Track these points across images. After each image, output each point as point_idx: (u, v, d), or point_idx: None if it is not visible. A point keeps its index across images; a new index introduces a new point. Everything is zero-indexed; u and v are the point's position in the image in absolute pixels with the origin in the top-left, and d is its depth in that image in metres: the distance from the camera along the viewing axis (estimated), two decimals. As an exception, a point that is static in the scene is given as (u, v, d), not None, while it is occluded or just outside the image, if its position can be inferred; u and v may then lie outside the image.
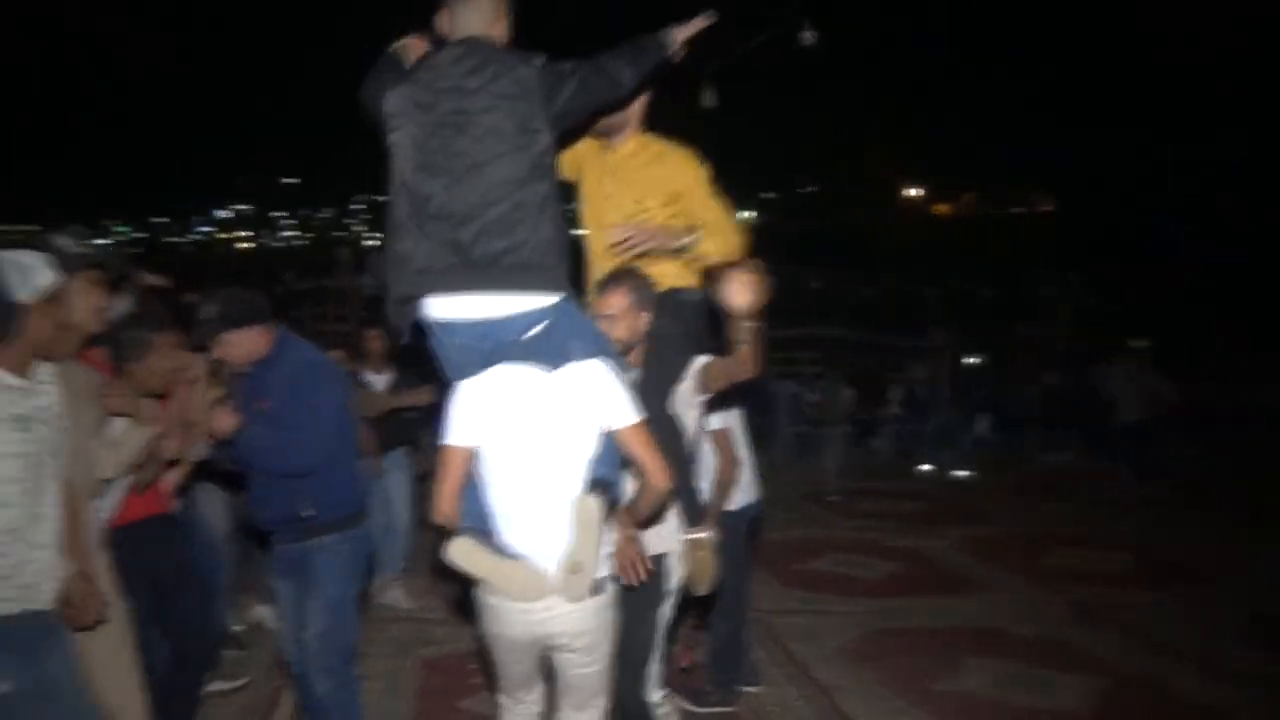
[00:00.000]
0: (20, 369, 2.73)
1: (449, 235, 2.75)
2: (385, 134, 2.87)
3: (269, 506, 3.67)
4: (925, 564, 7.53)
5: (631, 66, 2.94)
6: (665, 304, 3.36)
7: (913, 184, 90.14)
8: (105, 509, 3.48)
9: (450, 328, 2.84)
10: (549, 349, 2.83)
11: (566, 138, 3.17)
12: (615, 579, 2.94)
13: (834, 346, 14.35)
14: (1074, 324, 15.21)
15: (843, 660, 5.38)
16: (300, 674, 3.72)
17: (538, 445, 2.82)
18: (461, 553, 2.77)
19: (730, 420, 4.39)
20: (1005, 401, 13.07)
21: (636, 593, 3.09)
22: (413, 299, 2.85)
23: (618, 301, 3.22)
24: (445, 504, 2.83)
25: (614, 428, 2.83)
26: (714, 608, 4.58)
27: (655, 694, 3.30)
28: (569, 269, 2.89)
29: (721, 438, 4.30)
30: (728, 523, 4.33)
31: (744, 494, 4.58)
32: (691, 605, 4.05)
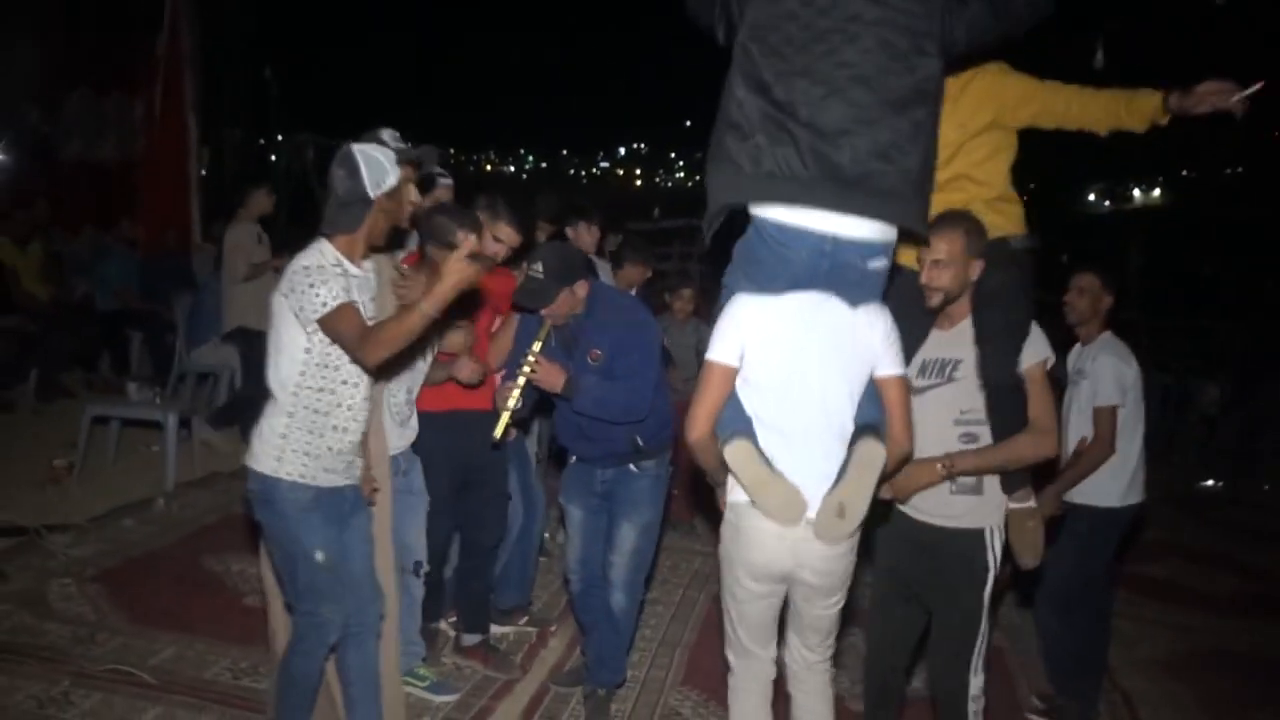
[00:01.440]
0: (358, 258, 2.95)
1: (816, 146, 2.55)
2: (731, 36, 2.70)
3: (589, 440, 3.77)
4: (1277, 585, 6.82)
5: (1029, 8, 2.71)
6: (995, 253, 3.06)
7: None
8: (414, 391, 3.73)
9: (798, 236, 2.61)
10: (871, 283, 2.70)
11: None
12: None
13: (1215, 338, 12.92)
14: None
15: (1153, 671, 5.03)
16: (587, 590, 3.89)
17: (815, 377, 2.70)
18: (742, 453, 2.67)
19: (1124, 401, 4.07)
20: None
21: (957, 570, 3.06)
22: (751, 202, 2.66)
23: (949, 246, 2.94)
24: (701, 423, 2.75)
25: (883, 375, 2.73)
26: (1048, 601, 4.32)
27: (977, 679, 3.11)
28: (923, 206, 2.71)
29: (1105, 416, 4.04)
30: (1093, 520, 4.13)
31: (1122, 490, 4.16)
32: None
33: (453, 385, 3.87)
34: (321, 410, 2.91)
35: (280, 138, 12.56)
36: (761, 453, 2.69)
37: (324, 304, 2.75)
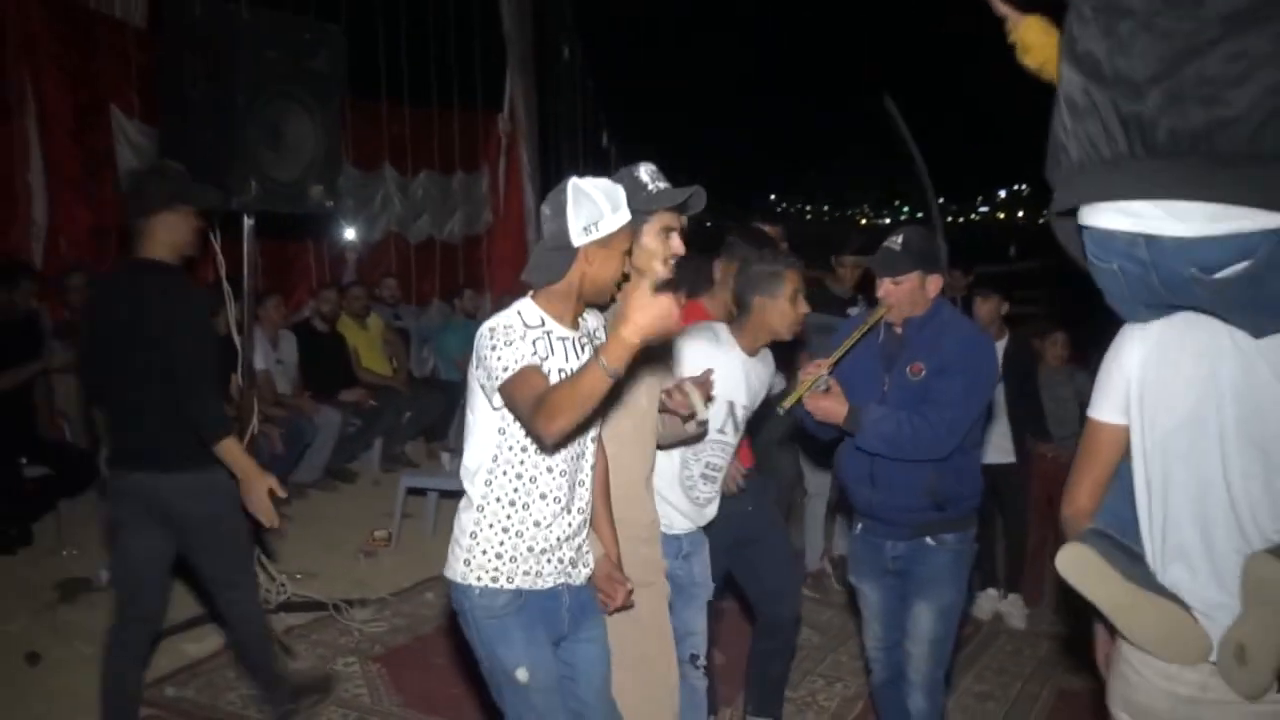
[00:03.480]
0: (571, 317, 2.54)
1: (1121, 107, 1.82)
2: None
3: (875, 487, 3.24)
4: None
5: None
6: None
7: None
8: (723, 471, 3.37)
9: (1105, 241, 1.92)
10: (1260, 298, 1.82)
11: None
12: None
13: None
14: None
15: None
16: (893, 681, 3.41)
17: (1214, 446, 1.90)
18: (1078, 564, 2.00)
19: None
20: None
21: None
22: (1074, 208, 1.97)
23: None
24: (1083, 497, 2.12)
25: None
26: None
27: None
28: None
29: None
30: None
31: None
32: None
33: None
34: (519, 503, 2.47)
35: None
36: (1121, 562, 1.98)
37: (505, 368, 2.32)
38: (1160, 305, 1.96)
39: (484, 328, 2.41)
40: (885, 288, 3.17)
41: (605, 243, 2.42)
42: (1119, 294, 2.00)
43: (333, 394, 7.54)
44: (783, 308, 3.25)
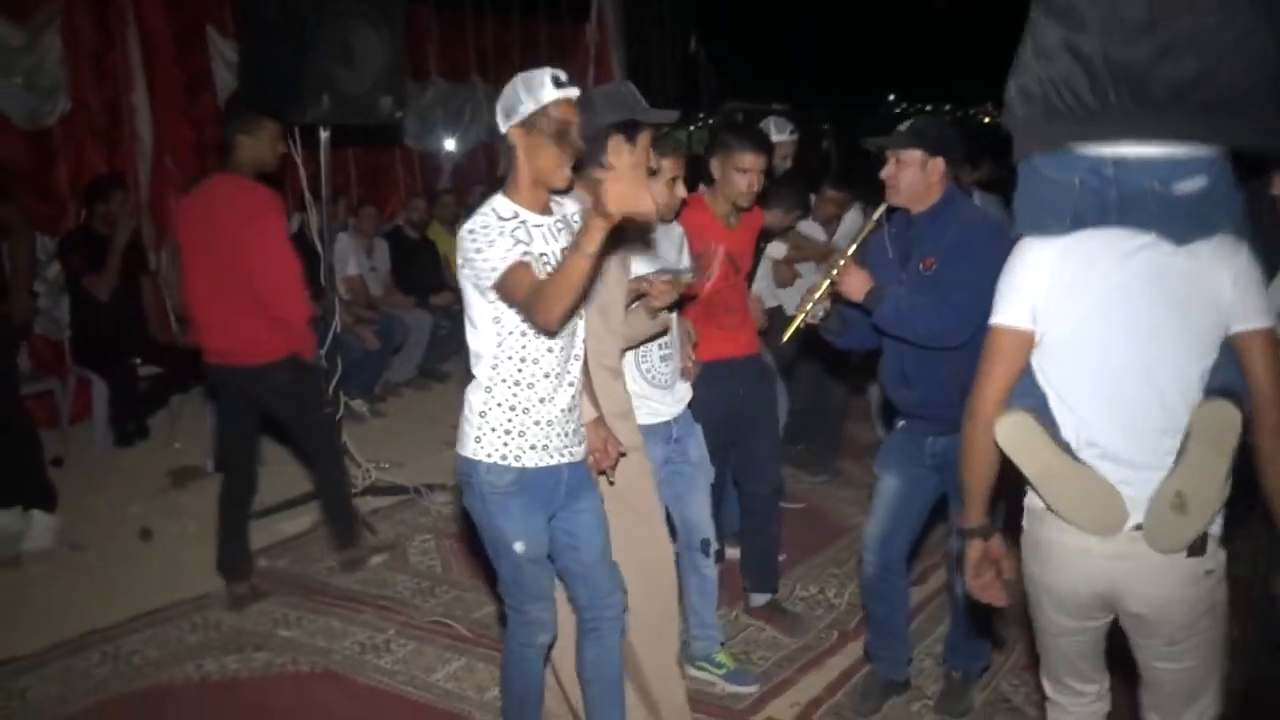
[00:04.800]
0: (542, 203, 2.66)
1: (1111, 55, 1.99)
2: None
3: (908, 386, 3.27)
4: None
5: None
6: None
7: None
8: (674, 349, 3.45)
9: (1069, 159, 2.11)
10: (1194, 213, 2.04)
11: None
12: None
13: None
14: None
15: None
16: (881, 576, 3.41)
17: (1134, 337, 2.05)
18: (1016, 432, 2.10)
19: None
20: None
21: None
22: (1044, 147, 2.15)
23: None
24: (989, 403, 2.18)
25: (1239, 331, 2.06)
26: None
27: None
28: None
29: None
30: None
31: None
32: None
33: (707, 333, 3.63)
34: (524, 382, 2.63)
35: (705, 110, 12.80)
36: (1049, 431, 2.11)
37: (492, 269, 2.48)
38: (1086, 222, 2.09)
39: (463, 230, 2.56)
40: (889, 168, 3.16)
41: (527, 127, 2.54)
42: (1056, 206, 2.12)
43: (424, 298, 7.94)
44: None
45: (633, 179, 2.79)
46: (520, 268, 2.48)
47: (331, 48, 4.74)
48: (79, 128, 6.66)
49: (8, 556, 4.63)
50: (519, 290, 2.47)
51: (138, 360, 6.30)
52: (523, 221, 2.58)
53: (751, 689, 3.65)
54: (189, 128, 7.26)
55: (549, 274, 2.49)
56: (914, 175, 3.13)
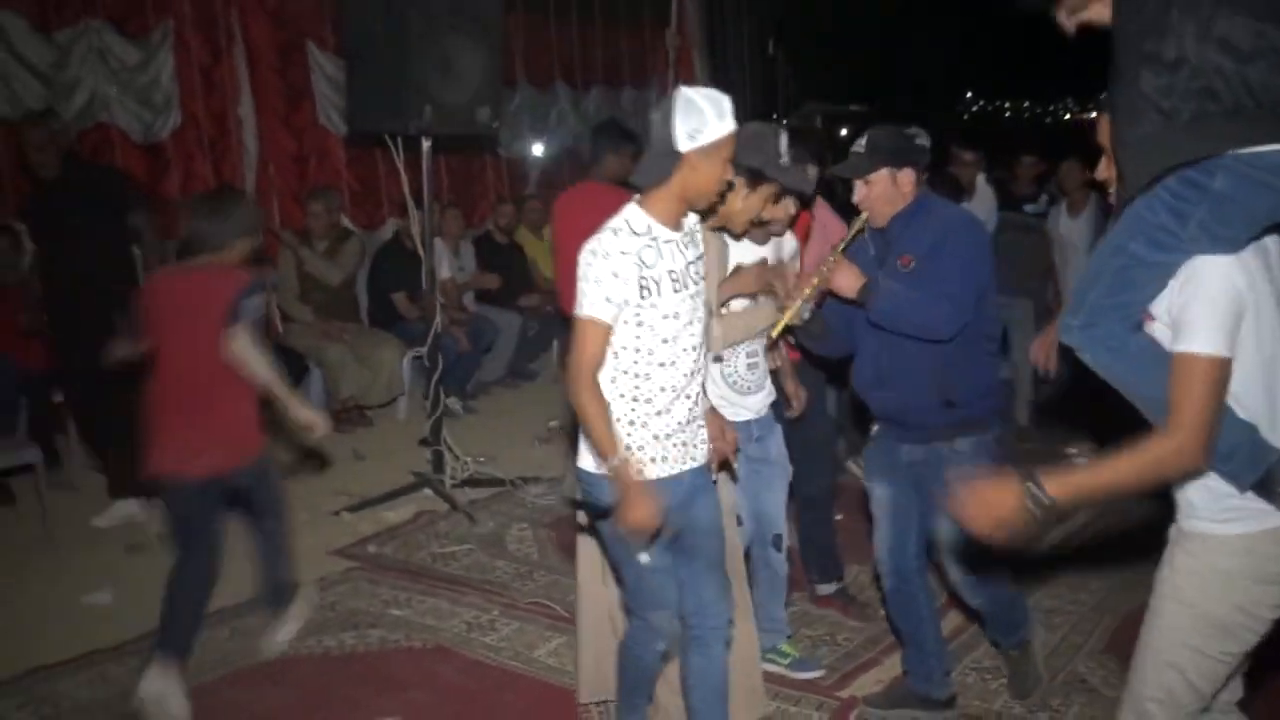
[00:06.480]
0: (675, 219, 2.70)
1: None
2: None
3: (886, 387, 3.26)
4: None
5: None
6: None
7: None
8: (760, 356, 3.55)
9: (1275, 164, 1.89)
10: None
11: None
12: None
13: None
14: None
15: None
16: (900, 587, 3.39)
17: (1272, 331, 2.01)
18: None
19: None
20: None
21: None
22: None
23: None
24: (1205, 434, 1.93)
25: None
26: None
27: None
28: None
29: None
30: None
31: None
32: None
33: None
34: (641, 398, 2.69)
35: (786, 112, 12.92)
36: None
37: (579, 306, 2.61)
38: (1262, 233, 2.00)
39: (588, 247, 2.61)
40: (860, 192, 3.19)
41: (709, 149, 2.55)
42: (1261, 215, 1.96)
43: (513, 300, 8.20)
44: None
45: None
46: (595, 329, 2.60)
47: (432, 61, 5.01)
48: (189, 140, 7.02)
49: (139, 541, 4.96)
50: (580, 345, 2.61)
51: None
52: (655, 238, 2.64)
53: (818, 674, 3.76)
54: (290, 138, 7.61)
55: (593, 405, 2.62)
56: (885, 192, 3.17)
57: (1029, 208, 6.70)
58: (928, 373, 3.14)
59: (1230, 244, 1.95)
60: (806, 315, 3.21)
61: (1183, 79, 1.88)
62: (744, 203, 3.12)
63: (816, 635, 4.11)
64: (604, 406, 2.63)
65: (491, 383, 8.06)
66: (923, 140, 3.24)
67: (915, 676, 3.49)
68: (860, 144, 3.20)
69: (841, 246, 3.25)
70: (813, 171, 3.66)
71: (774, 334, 3.29)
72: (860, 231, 3.29)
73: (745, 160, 2.94)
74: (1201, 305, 1.94)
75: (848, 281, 3.10)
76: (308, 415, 3.74)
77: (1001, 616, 3.56)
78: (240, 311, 3.53)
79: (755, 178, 3.08)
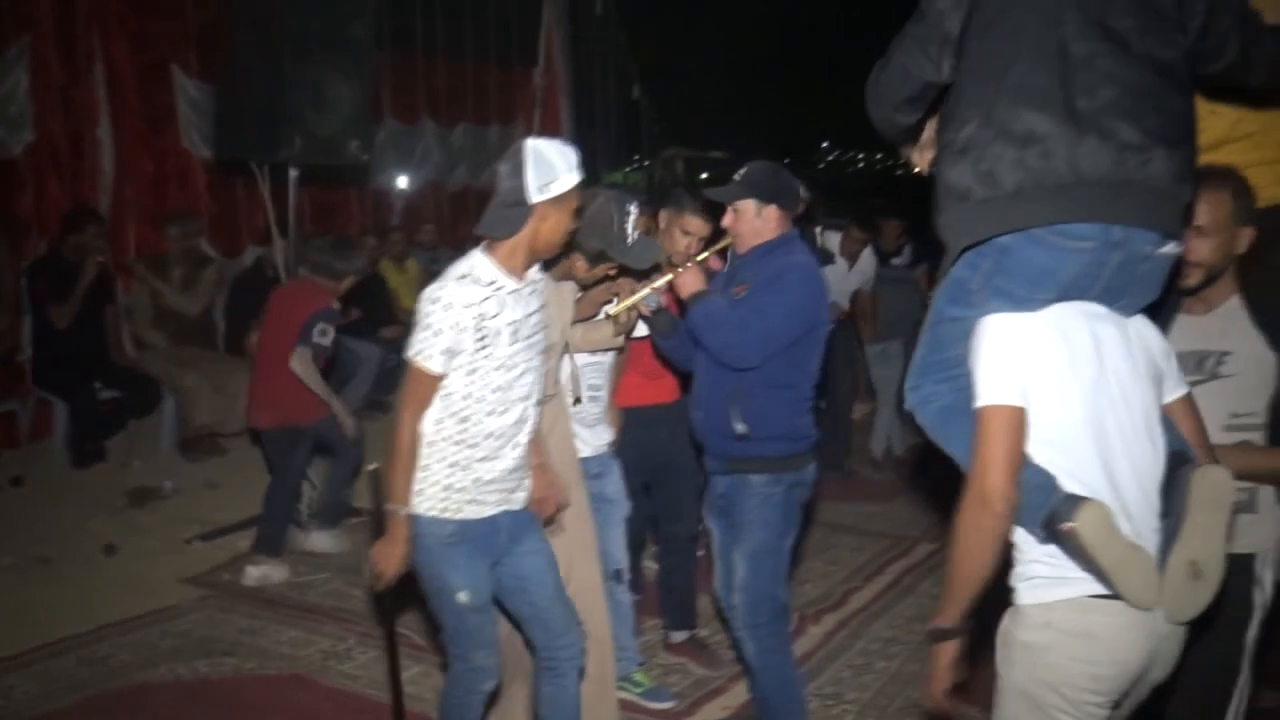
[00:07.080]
0: (520, 269, 2.75)
1: (1121, 120, 1.91)
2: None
3: (699, 408, 3.38)
4: None
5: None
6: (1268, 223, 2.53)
7: None
8: (604, 391, 3.74)
9: (1084, 229, 1.95)
10: (1155, 279, 2.06)
11: None
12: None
13: None
14: None
15: None
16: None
17: (1124, 410, 2.02)
18: (1102, 524, 1.91)
19: None
20: None
21: (1214, 605, 2.13)
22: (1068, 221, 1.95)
23: (1213, 211, 2.43)
24: (1008, 484, 1.94)
25: (1174, 396, 2.15)
26: None
27: None
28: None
29: None
30: None
31: None
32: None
33: (633, 381, 3.92)
34: (466, 442, 2.73)
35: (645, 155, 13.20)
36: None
37: (416, 350, 2.66)
38: (1065, 296, 2.02)
39: (425, 295, 2.66)
40: (728, 217, 3.32)
41: (558, 201, 2.66)
42: (1058, 278, 2.00)
43: (374, 331, 8.18)
44: None
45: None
46: (425, 379, 2.66)
47: (304, 91, 5.06)
48: (43, 158, 6.84)
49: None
50: (411, 390, 2.68)
51: (98, 384, 6.48)
52: (499, 289, 2.70)
53: (669, 705, 3.87)
54: (150, 161, 7.48)
55: (399, 450, 2.68)
56: (750, 223, 3.29)
57: (896, 261, 7.28)
58: (725, 398, 3.24)
59: (1020, 302, 2.02)
60: (653, 305, 3.40)
61: (969, 164, 1.99)
62: (587, 272, 3.35)
63: (669, 664, 4.24)
64: (414, 457, 2.69)
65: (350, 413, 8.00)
66: (797, 187, 3.40)
67: (761, 704, 3.54)
68: (739, 173, 3.34)
69: (701, 256, 3.48)
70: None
71: (614, 311, 3.43)
72: (724, 249, 3.47)
73: (588, 242, 3.13)
74: (986, 359, 2.01)
75: (689, 283, 3.26)
76: (347, 421, 5.31)
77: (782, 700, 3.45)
78: (308, 331, 4.95)
79: (598, 259, 3.27)
